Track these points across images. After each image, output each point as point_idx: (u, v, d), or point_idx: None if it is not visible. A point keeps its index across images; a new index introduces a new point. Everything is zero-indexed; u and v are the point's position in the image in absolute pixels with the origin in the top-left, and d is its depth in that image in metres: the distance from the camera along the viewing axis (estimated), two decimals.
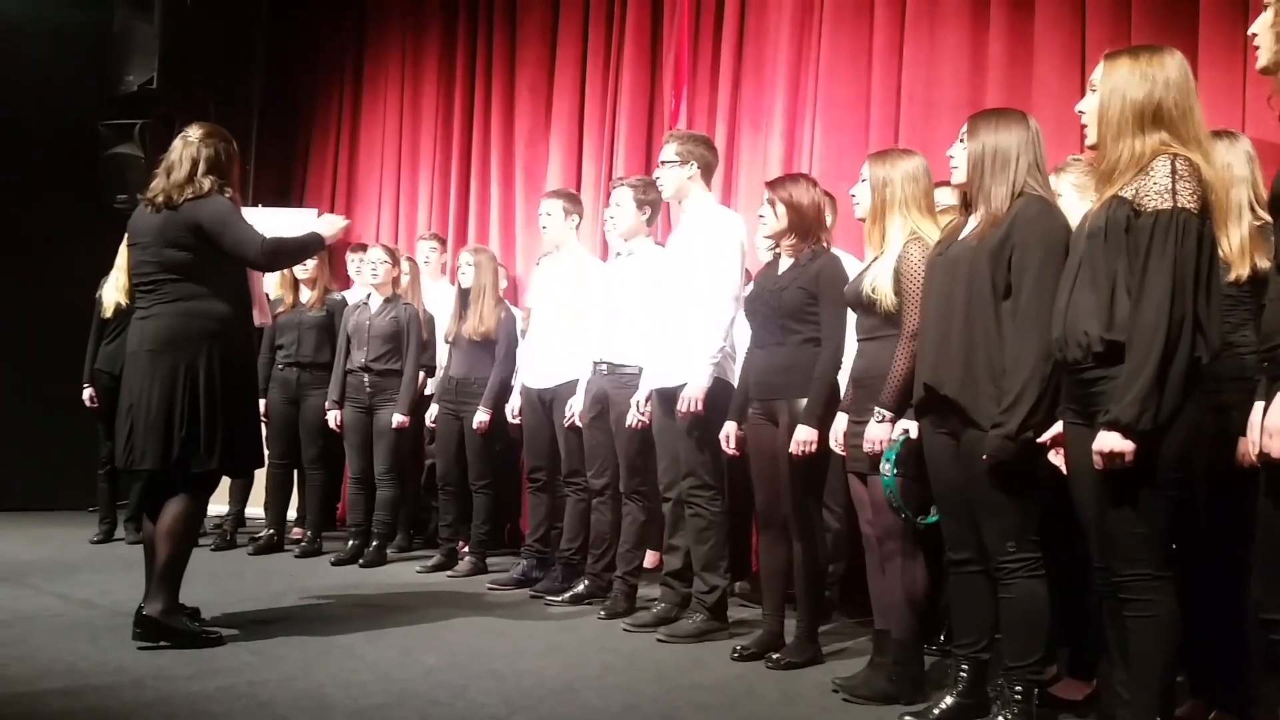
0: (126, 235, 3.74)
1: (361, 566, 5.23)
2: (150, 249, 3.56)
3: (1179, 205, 2.23)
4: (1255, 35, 2.12)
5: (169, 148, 3.68)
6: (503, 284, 5.90)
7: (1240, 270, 2.64)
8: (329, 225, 3.84)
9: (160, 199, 3.56)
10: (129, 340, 3.64)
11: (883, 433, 2.98)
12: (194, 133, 3.66)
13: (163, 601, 3.43)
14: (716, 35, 5.92)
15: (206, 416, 3.49)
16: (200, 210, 3.52)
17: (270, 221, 6.80)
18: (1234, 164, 2.71)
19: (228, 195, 3.60)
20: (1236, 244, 2.67)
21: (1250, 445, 2.12)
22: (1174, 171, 2.25)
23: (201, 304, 3.54)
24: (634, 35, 6.29)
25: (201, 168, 3.59)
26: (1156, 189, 2.26)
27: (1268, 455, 1.95)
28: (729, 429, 3.69)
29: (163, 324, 3.52)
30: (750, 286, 3.79)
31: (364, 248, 5.96)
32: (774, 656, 3.45)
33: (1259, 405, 2.08)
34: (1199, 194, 2.26)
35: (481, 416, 5.02)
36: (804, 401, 3.37)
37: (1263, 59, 2.11)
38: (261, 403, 5.58)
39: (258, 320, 3.81)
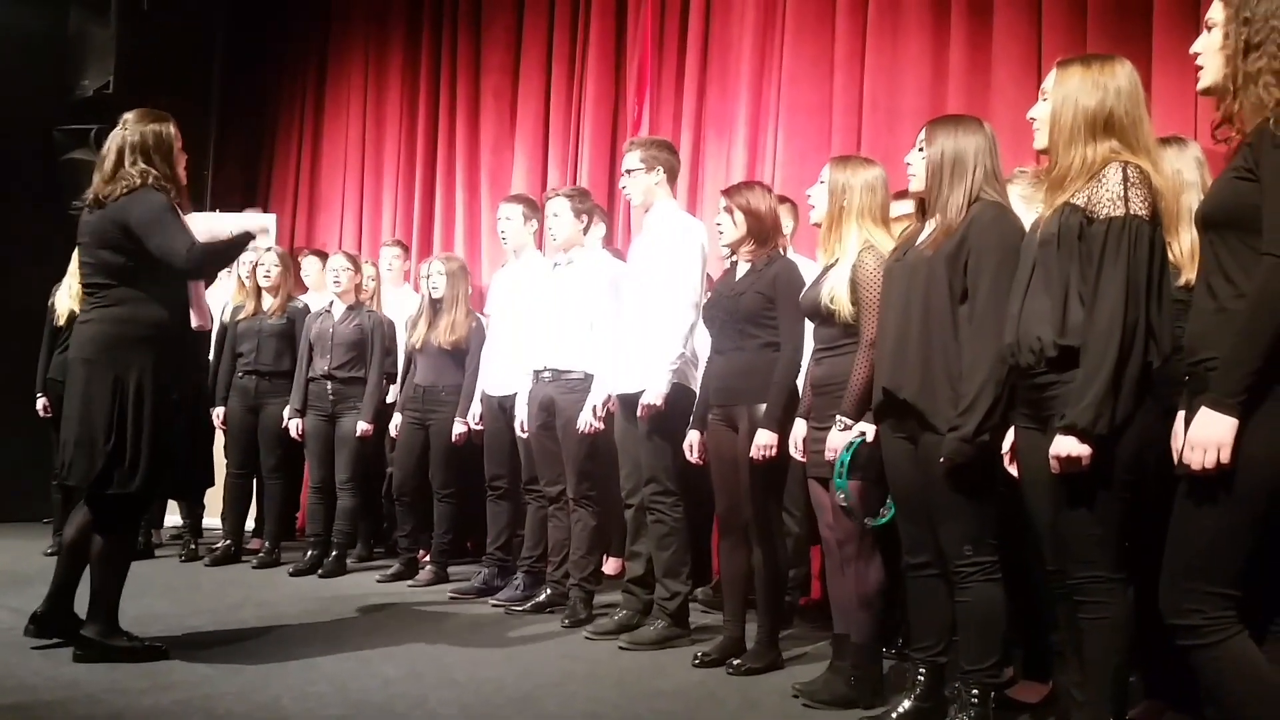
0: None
1: (320, 577, 5.17)
2: (88, 250, 3.39)
3: (1131, 212, 2.26)
4: (1198, 55, 2.14)
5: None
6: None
7: (1190, 275, 2.65)
8: (258, 222, 3.58)
9: (91, 198, 3.39)
10: (69, 348, 3.49)
11: (844, 440, 2.99)
12: (125, 118, 3.44)
13: (101, 622, 3.35)
14: (681, 42, 5.94)
15: (133, 434, 3.27)
16: (130, 208, 3.28)
17: (232, 226, 6.79)
18: (1183, 169, 2.75)
19: (159, 184, 3.32)
20: (1187, 248, 2.69)
21: (1175, 455, 2.15)
22: (1126, 179, 2.28)
23: (137, 309, 3.34)
24: (598, 42, 6.30)
25: (129, 157, 3.35)
26: (1109, 196, 2.28)
27: (1187, 466, 1.99)
28: (692, 437, 3.69)
29: (95, 331, 3.34)
30: (709, 293, 3.80)
31: (323, 255, 5.91)
32: (735, 662, 3.45)
33: (1181, 415, 2.12)
34: (1150, 201, 2.29)
35: (460, 428, 4.97)
36: (764, 406, 3.38)
37: (1206, 80, 2.12)
38: (220, 411, 5.53)
39: (195, 323, 3.55)
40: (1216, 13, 2.11)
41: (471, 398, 4.98)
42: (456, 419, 4.97)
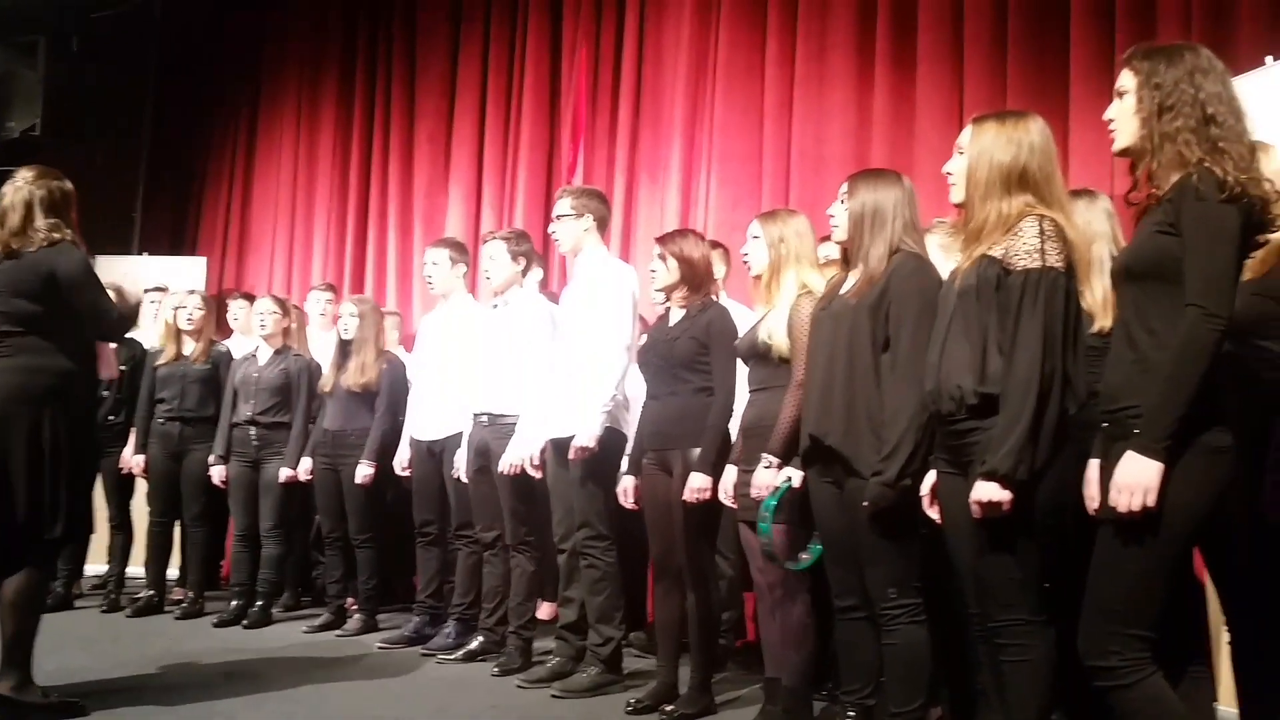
0: None
1: (246, 627, 5.03)
2: None
3: (1047, 265, 2.32)
4: (1111, 120, 2.24)
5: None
6: (394, 334, 5.82)
7: (1103, 322, 2.73)
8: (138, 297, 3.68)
9: None
10: None
11: (770, 478, 3.02)
12: (23, 175, 3.49)
13: (15, 677, 3.24)
14: (614, 89, 6.02)
15: (50, 481, 3.28)
16: (57, 260, 3.36)
17: (160, 269, 6.70)
18: (1093, 221, 2.84)
19: (74, 241, 3.42)
20: (1100, 296, 2.77)
21: (1089, 500, 2.21)
22: (1042, 232, 2.34)
23: (45, 359, 3.34)
24: (533, 88, 6.36)
25: (38, 211, 3.42)
26: (1026, 249, 2.34)
27: (1113, 509, 2.04)
28: (626, 482, 3.70)
29: (2, 381, 3.30)
30: (643, 338, 3.83)
31: (249, 298, 5.82)
32: (668, 708, 3.44)
33: (1094, 462, 2.17)
34: (1065, 253, 2.35)
35: (366, 470, 4.90)
36: (698, 450, 3.40)
37: (1122, 142, 2.22)
38: (141, 458, 5.39)
39: (103, 374, 3.62)
40: (1127, 81, 2.21)
41: (381, 439, 4.91)
42: (363, 460, 4.89)
